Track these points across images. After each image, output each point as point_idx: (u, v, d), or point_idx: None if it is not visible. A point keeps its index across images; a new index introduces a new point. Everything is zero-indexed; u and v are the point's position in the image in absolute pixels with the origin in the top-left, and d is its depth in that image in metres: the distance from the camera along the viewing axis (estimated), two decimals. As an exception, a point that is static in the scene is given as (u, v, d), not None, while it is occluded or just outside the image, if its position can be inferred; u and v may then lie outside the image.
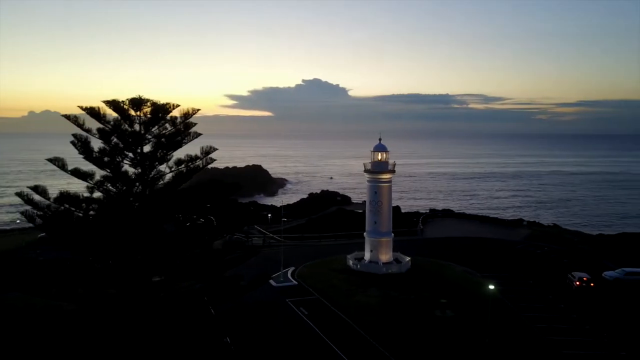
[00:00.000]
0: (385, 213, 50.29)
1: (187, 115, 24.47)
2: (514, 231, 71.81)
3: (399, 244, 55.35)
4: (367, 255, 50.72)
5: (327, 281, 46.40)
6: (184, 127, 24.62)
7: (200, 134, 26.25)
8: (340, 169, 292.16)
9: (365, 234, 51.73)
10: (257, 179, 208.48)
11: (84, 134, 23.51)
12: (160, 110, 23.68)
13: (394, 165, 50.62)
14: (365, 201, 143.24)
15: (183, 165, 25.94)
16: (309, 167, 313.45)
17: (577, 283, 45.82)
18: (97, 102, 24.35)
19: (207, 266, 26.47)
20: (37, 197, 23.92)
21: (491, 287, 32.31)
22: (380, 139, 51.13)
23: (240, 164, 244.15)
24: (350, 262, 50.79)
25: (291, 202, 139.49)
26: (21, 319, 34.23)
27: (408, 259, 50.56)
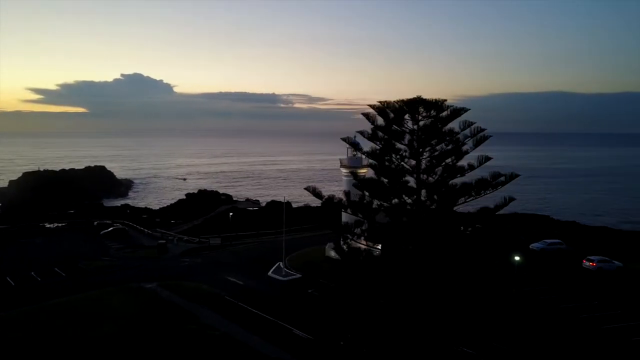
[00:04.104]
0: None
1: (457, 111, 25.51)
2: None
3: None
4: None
5: (324, 272, 48.65)
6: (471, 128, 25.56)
7: (484, 129, 26.95)
8: (189, 169, 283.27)
9: (342, 225, 54.95)
10: (102, 180, 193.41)
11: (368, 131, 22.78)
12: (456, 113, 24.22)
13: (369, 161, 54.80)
14: (247, 199, 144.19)
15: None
16: (151, 166, 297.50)
17: None
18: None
19: None
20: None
21: (517, 258, 39.01)
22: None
23: (77, 165, 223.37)
24: (332, 253, 53.48)
25: (155, 203, 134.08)
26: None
27: (380, 246, 55.25)
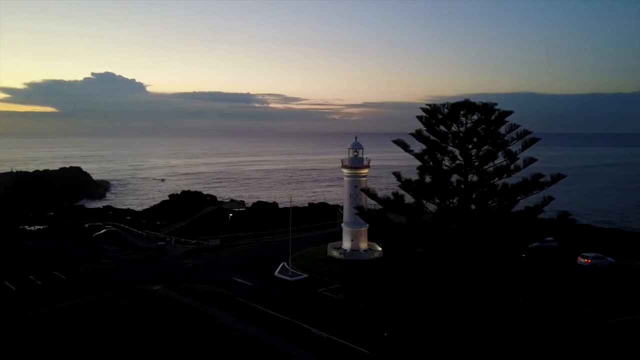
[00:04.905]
0: (363, 205, 54.67)
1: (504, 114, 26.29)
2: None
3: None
4: (348, 245, 54.50)
5: (329, 271, 48.67)
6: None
7: (529, 132, 27.58)
8: (166, 170, 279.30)
9: (343, 225, 55.43)
10: (78, 182, 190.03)
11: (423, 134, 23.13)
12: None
13: (369, 161, 55.33)
14: (232, 200, 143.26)
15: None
16: (127, 167, 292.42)
17: None
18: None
19: None
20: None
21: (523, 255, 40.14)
22: (356, 137, 55.38)
23: (50, 166, 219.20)
24: (335, 253, 53.95)
25: (135, 204, 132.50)
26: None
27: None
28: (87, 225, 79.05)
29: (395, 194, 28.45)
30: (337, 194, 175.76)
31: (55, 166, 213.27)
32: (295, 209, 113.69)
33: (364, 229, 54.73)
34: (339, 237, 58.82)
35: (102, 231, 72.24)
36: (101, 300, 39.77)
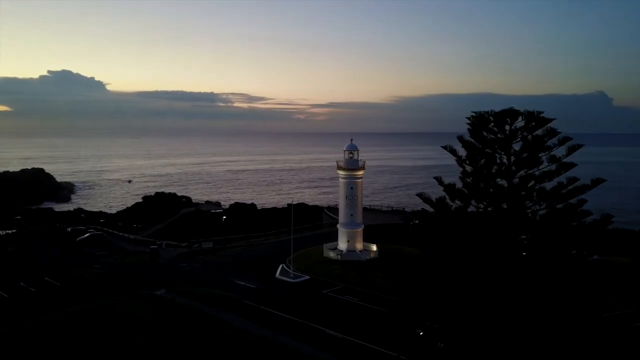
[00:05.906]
0: (359, 206, 55.34)
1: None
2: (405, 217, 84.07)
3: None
4: (344, 246, 54.97)
5: (329, 272, 48.97)
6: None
7: (569, 137, 28.17)
8: (132, 171, 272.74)
9: (339, 226, 55.87)
10: (41, 184, 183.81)
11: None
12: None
13: (364, 162, 55.97)
14: (207, 201, 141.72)
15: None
16: (90, 168, 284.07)
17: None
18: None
19: None
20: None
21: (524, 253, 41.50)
22: (351, 140, 55.93)
23: (10, 167, 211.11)
24: (331, 254, 54.31)
25: (103, 206, 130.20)
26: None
27: (374, 246, 56.55)
28: (69, 229, 76.69)
29: (441, 198, 29.21)
30: (310, 195, 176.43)
31: (14, 167, 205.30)
32: (275, 209, 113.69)
33: (360, 229, 55.40)
34: (330, 237, 59.26)
35: (86, 235, 70.23)
36: (106, 305, 38.84)
